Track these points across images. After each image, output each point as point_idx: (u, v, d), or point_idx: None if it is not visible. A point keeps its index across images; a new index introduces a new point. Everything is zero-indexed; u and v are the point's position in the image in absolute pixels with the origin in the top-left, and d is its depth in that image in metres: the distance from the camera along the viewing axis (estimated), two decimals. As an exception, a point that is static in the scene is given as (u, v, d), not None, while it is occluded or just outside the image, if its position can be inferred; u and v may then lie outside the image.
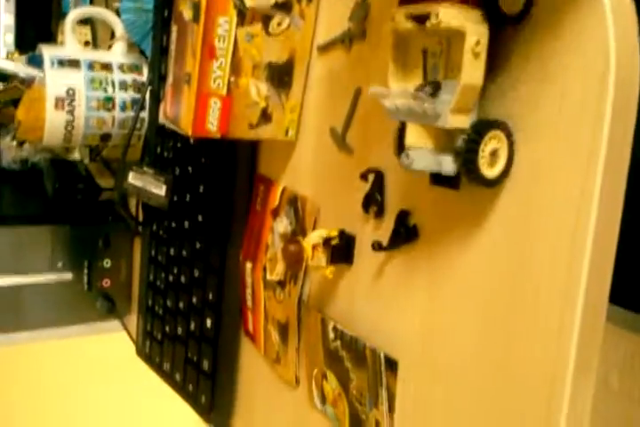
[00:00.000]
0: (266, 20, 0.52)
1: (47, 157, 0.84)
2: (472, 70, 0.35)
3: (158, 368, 0.70)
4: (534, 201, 0.37)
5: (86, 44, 0.90)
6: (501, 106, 0.38)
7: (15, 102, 0.72)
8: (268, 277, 0.58)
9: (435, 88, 0.37)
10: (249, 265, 0.60)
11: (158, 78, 0.70)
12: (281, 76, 0.54)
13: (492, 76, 0.39)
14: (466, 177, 0.37)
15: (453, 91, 0.36)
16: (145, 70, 0.75)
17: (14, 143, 0.76)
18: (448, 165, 0.37)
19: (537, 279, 0.37)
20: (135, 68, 0.75)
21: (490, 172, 0.37)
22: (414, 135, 0.39)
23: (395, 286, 0.46)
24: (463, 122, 0.37)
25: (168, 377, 0.69)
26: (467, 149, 0.36)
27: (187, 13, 0.52)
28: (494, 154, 0.37)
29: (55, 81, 0.69)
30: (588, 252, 0.34)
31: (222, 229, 0.61)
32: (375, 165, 0.48)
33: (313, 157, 0.55)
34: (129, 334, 0.78)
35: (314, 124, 0.54)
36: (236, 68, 0.51)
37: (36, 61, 0.71)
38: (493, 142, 0.37)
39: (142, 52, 0.77)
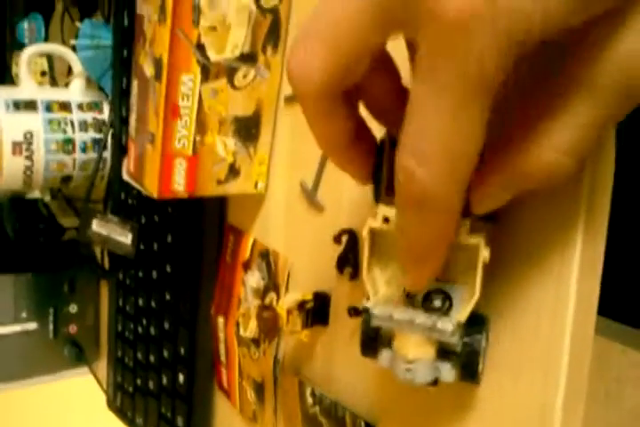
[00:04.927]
0: (231, 73, 0.49)
1: (6, 197, 0.80)
2: (481, 282, 0.32)
3: (130, 423, 0.68)
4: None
5: (43, 74, 0.87)
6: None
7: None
8: (242, 333, 0.56)
9: (443, 300, 0.34)
10: (221, 320, 0.58)
11: (120, 120, 0.68)
12: (248, 128, 0.52)
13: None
14: (462, 378, 0.36)
15: (462, 303, 0.33)
16: (105, 107, 0.72)
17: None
18: (447, 372, 0.34)
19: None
20: (95, 106, 0.72)
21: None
22: (413, 345, 0.34)
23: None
24: (460, 326, 0.34)
25: (141, 432, 0.67)
26: (469, 352, 0.35)
27: (148, 69, 0.50)
28: None
29: (12, 125, 0.66)
30: None
31: (192, 280, 0.59)
32: (348, 226, 0.46)
33: (284, 212, 0.53)
34: (99, 382, 0.75)
35: (284, 177, 0.52)
36: (201, 126, 0.49)
37: (-9, 104, 0.68)
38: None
39: (102, 89, 0.74)
